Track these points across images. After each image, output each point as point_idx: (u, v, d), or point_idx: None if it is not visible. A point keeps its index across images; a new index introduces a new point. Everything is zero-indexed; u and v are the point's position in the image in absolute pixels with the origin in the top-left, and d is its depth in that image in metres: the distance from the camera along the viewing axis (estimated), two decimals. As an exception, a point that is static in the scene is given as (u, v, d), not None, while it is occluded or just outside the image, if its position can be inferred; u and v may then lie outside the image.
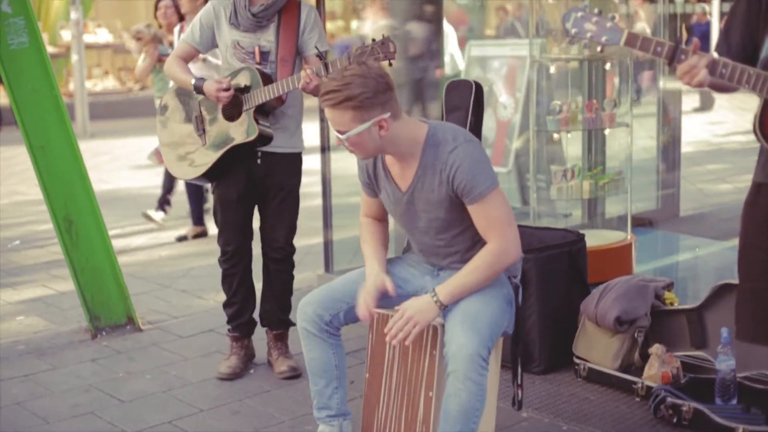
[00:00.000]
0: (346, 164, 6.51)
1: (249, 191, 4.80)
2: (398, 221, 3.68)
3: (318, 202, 6.37)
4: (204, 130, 4.78)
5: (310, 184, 5.01)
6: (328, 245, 6.42)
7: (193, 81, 4.71)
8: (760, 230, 3.20)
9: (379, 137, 3.35)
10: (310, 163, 5.00)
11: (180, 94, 4.94)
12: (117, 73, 18.25)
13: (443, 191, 3.42)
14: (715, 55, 3.08)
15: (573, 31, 3.11)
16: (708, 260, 7.04)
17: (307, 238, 5.14)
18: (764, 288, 3.20)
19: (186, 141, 4.85)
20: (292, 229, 4.90)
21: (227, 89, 4.58)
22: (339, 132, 3.34)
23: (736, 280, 3.45)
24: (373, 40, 4.06)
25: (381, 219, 3.78)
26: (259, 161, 4.73)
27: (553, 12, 6.60)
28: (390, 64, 4.10)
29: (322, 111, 6.09)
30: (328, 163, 6.33)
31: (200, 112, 4.81)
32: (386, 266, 3.65)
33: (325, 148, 6.29)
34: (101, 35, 17.82)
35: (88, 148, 12.92)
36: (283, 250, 4.89)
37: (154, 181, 7.98)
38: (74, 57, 15.41)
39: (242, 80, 4.62)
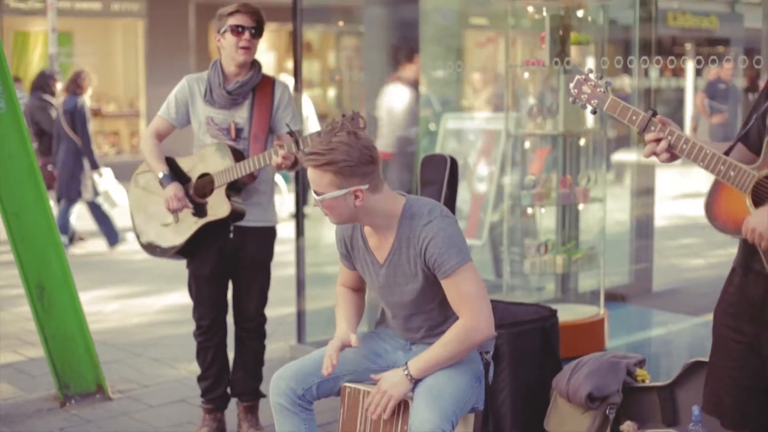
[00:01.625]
0: (321, 233, 6.52)
1: (222, 266, 4.81)
2: (376, 293, 3.70)
3: (291, 271, 6.36)
4: None
5: (283, 253, 5.01)
6: (301, 315, 6.41)
7: (160, 176, 4.72)
8: (725, 310, 3.30)
9: (353, 206, 3.40)
10: (284, 231, 5.01)
11: None
12: (93, 136, 18.27)
13: (418, 264, 3.45)
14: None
15: (574, 91, 3.33)
16: (680, 336, 7.05)
17: (280, 308, 5.13)
18: (724, 366, 3.27)
19: (158, 216, 4.83)
20: (262, 300, 4.91)
21: (179, 208, 4.65)
22: (316, 193, 3.41)
23: (707, 358, 3.49)
24: (343, 115, 4.10)
25: (358, 289, 3.81)
26: (231, 235, 4.74)
27: (528, 86, 6.67)
28: None
29: (297, 177, 6.14)
30: (302, 231, 6.33)
31: None
32: (355, 328, 3.68)
33: (299, 217, 6.31)
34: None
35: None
36: (253, 320, 4.90)
37: (130, 246, 7.94)
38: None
39: (213, 156, 4.64)
